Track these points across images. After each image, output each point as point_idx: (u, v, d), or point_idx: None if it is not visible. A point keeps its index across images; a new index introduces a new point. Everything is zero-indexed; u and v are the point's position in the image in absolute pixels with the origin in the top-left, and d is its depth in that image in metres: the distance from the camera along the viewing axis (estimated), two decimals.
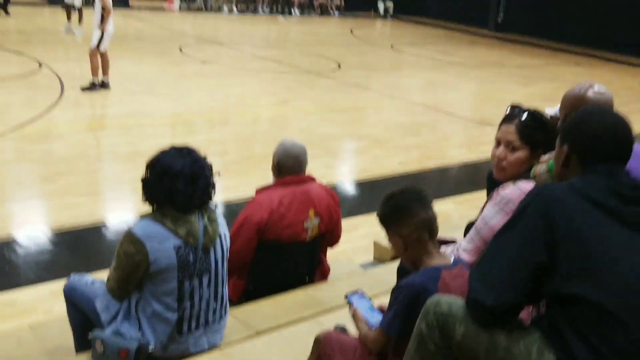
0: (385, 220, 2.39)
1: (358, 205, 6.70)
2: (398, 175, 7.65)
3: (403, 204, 2.33)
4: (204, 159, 2.86)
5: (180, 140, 8.01)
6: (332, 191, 3.72)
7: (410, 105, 11.50)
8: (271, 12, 23.98)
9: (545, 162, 2.50)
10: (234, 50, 15.47)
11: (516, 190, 2.52)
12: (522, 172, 2.60)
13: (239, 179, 6.78)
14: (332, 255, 4.01)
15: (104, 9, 9.70)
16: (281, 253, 3.48)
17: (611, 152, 1.88)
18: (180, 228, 2.73)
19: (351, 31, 21.19)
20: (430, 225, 2.32)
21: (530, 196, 1.86)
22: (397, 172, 7.78)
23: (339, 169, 8.00)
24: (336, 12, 25.12)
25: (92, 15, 10.03)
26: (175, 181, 2.71)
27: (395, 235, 2.35)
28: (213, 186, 2.86)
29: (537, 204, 1.82)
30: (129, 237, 2.73)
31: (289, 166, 3.50)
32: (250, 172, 7.12)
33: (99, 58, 9.89)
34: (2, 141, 7.41)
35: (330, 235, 3.68)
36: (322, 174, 7.40)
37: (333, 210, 3.63)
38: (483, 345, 1.86)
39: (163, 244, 2.70)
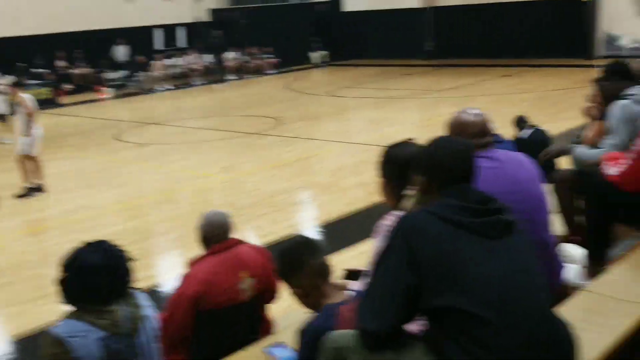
0: (283, 277, 2.62)
1: None
2: (345, 217, 7.70)
3: (295, 258, 2.56)
4: (119, 249, 2.86)
5: (128, 226, 7.88)
6: (262, 249, 3.82)
7: (353, 147, 11.53)
8: (206, 82, 24.09)
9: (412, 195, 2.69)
10: (172, 127, 15.42)
11: (392, 217, 2.68)
12: (396, 202, 2.75)
13: (194, 253, 6.60)
14: (284, 307, 3.94)
15: (28, 114, 9.56)
16: (221, 319, 3.48)
17: (460, 173, 2.15)
18: (102, 320, 2.69)
19: (288, 86, 21.38)
20: (322, 271, 2.55)
21: (395, 226, 2.07)
22: (344, 213, 7.81)
23: (287, 222, 7.90)
24: (272, 70, 25.39)
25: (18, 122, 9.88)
26: (95, 276, 2.71)
27: (294, 287, 2.58)
28: (131, 274, 2.87)
29: (400, 232, 2.03)
30: (48, 339, 2.66)
31: (214, 235, 3.61)
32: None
33: (30, 163, 9.70)
34: None
35: (268, 292, 3.70)
36: (271, 231, 7.45)
37: (267, 268, 3.65)
38: None
39: (86, 339, 2.64)
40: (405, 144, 2.81)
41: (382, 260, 2.06)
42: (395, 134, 12.06)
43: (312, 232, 7.45)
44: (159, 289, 6.11)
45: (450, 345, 1.89)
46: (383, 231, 2.65)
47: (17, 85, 10.25)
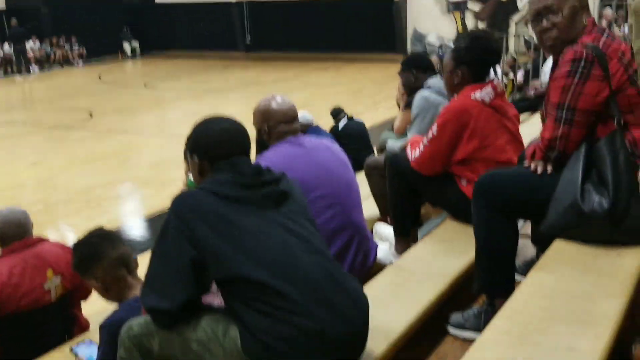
0: (80, 270, 2.50)
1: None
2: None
3: (91, 250, 2.46)
4: None
5: None
6: (68, 246, 3.53)
7: (174, 139, 11.25)
8: (6, 73, 22.24)
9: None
10: None
11: None
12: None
13: None
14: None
15: None
16: (26, 322, 3.24)
17: (230, 148, 2.16)
18: None
19: (99, 77, 20.37)
20: (123, 261, 2.47)
21: (170, 207, 2.08)
22: (167, 207, 7.54)
23: (105, 218, 7.54)
24: (80, 62, 24.03)
25: None
26: None
27: (91, 280, 2.47)
28: None
29: (175, 212, 2.04)
30: None
31: (12, 234, 3.33)
32: None
33: None
34: None
35: (79, 289, 3.48)
36: (87, 228, 7.01)
37: None
38: (178, 346, 2.02)
39: None
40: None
41: (161, 241, 2.06)
42: None
43: (134, 226, 7.20)
44: None
45: (243, 313, 1.94)
46: None
47: None
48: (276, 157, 2.89)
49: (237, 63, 22.85)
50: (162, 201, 7.65)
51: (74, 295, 3.48)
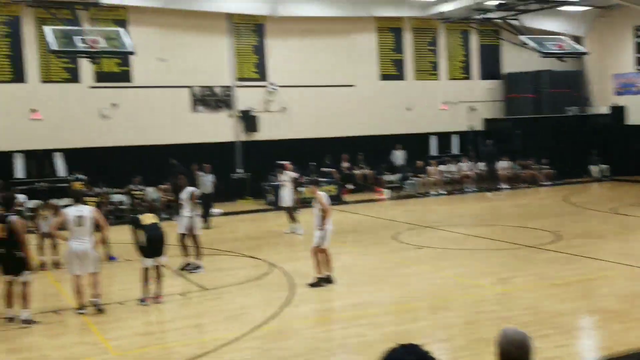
0: None
1: None
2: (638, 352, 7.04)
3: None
4: (431, 355, 2.90)
5: (408, 328, 8.14)
6: None
7: None
8: (478, 189, 24.29)
9: None
10: (446, 232, 15.72)
11: None
12: None
13: None
14: None
15: (323, 210, 10.58)
16: None
17: None
18: None
19: (565, 199, 20.63)
20: None
21: None
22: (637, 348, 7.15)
23: (574, 348, 7.51)
24: (546, 182, 24.77)
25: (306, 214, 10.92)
26: None
27: None
28: None
29: None
30: None
31: (514, 355, 3.53)
32: (482, 356, 6.94)
33: (321, 255, 10.62)
34: (244, 342, 8.03)
35: None
36: (554, 355, 7.12)
37: None
38: None
39: None
40: None
41: None
42: None
43: None
44: None
45: None
46: None
47: (316, 183, 11.34)
48: None
49: None
50: (633, 340, 7.31)
51: None
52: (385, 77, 26.06)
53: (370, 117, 25.54)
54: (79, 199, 9.95)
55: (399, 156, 25.72)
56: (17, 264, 9.11)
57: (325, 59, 24.74)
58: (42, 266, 12.59)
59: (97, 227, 9.82)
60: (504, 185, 24.33)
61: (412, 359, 2.87)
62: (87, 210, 9.67)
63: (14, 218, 9.17)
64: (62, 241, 9.73)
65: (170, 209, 19.71)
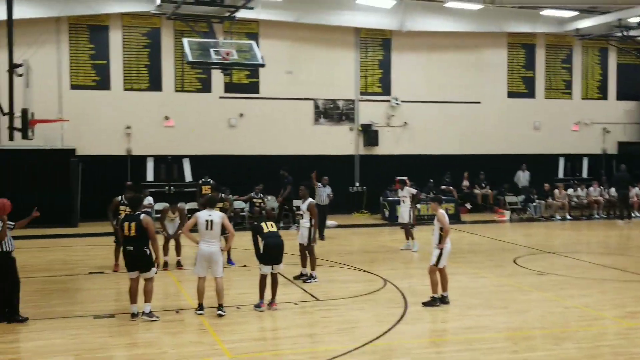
0: None
1: None
2: None
3: None
4: None
5: (522, 357, 7.80)
6: None
7: None
8: (608, 216, 22.99)
9: None
10: (570, 259, 14.97)
11: None
12: None
13: None
14: None
15: (442, 229, 10.37)
16: None
17: None
18: None
19: None
20: None
21: None
22: None
23: None
24: None
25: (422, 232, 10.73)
26: None
27: None
28: None
29: None
30: None
31: None
32: None
33: (438, 274, 10.41)
34: (355, 356, 8.00)
35: None
36: None
37: None
38: None
39: None
40: None
41: None
42: None
43: None
44: None
45: None
46: None
47: (438, 200, 11.07)
48: None
49: None
50: None
51: None
52: (513, 94, 25.38)
53: (494, 136, 24.93)
54: (211, 204, 10.33)
55: (523, 177, 24.86)
56: (145, 261, 9.60)
57: (450, 75, 24.44)
58: (165, 266, 13.21)
59: (223, 232, 10.18)
60: (636, 214, 22.90)
61: None
62: (217, 216, 10.05)
63: (144, 216, 9.66)
64: (192, 243, 10.11)
65: (287, 218, 20.13)
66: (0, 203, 9.36)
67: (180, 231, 13.25)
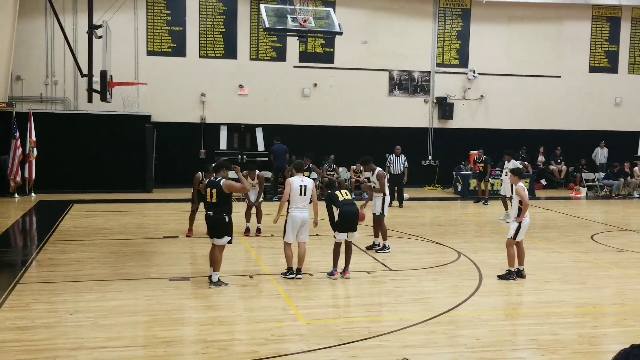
0: None
1: None
2: None
3: None
4: None
5: (603, 332, 7.60)
6: None
7: None
8: None
9: None
10: None
11: None
12: None
13: None
14: None
15: (521, 202, 10.18)
16: None
17: None
18: None
19: None
20: None
21: None
22: None
23: None
24: None
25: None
26: None
27: None
28: None
29: None
30: None
31: None
32: None
33: (514, 248, 10.25)
34: (430, 325, 8.00)
35: None
36: None
37: None
38: None
39: None
40: None
41: None
42: None
43: None
44: None
45: None
46: None
47: (519, 173, 10.69)
48: None
49: None
50: None
51: None
52: (595, 69, 24.46)
53: (573, 111, 24.18)
54: (300, 169, 10.49)
55: (601, 154, 24.07)
56: (221, 228, 9.61)
57: (530, 47, 23.76)
58: (247, 231, 13.47)
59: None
60: None
61: None
62: (309, 182, 10.19)
63: (224, 181, 9.74)
64: (283, 212, 10.20)
65: (358, 189, 20.16)
66: None
67: (261, 199, 13.61)
